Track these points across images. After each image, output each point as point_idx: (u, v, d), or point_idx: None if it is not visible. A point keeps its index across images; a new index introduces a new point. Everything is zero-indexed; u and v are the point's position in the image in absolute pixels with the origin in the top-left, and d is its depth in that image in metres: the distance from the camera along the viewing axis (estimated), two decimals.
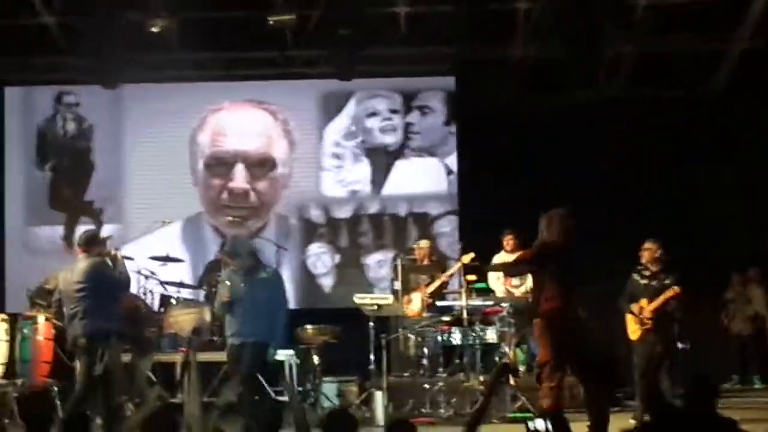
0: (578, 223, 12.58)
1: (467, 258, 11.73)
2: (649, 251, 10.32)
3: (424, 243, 12.65)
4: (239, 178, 14.27)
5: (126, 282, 9.85)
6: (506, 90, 13.58)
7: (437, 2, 13.19)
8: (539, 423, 7.43)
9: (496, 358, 12.00)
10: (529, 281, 12.29)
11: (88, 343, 9.38)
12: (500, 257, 12.56)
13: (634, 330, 10.31)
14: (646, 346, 10.22)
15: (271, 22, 13.06)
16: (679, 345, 10.64)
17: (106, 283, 9.49)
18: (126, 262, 9.87)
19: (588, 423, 8.41)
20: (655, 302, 10.14)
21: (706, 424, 6.06)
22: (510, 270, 10.33)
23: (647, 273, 10.32)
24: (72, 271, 9.56)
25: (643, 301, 10.20)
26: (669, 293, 10.10)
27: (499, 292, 12.30)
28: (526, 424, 7.87)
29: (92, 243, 9.68)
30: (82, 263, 9.50)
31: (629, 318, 10.37)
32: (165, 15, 13.03)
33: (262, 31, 13.36)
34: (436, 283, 12.07)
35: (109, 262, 9.64)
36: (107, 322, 9.44)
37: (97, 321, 9.35)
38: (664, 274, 10.24)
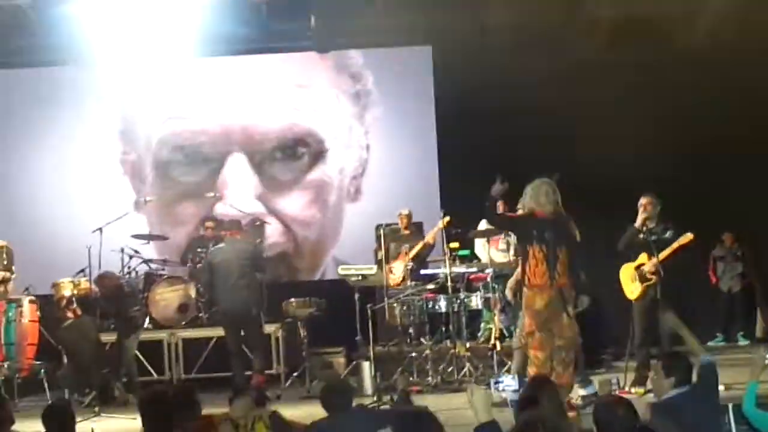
0: (561, 187, 12.77)
1: (443, 222, 11.69)
2: (648, 206, 10.13)
3: (405, 211, 12.62)
4: None
5: None
6: (484, 56, 13.51)
7: None
8: (508, 380, 7.49)
9: (482, 324, 12.09)
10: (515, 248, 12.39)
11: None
12: (485, 223, 12.56)
13: (633, 288, 10.12)
14: (647, 303, 10.07)
15: None
16: None
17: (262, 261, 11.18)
18: None
19: None
20: (665, 253, 9.88)
21: None
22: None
23: (644, 228, 10.12)
24: (228, 250, 10.75)
25: (643, 257, 10.01)
26: (683, 241, 9.86)
27: (485, 258, 12.30)
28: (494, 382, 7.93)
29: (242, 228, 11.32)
30: (233, 246, 10.72)
31: (625, 275, 10.19)
32: None
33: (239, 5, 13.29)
34: (417, 247, 12.05)
35: None
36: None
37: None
38: (662, 228, 10.07)
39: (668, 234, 10.04)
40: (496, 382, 8.70)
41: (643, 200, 10.15)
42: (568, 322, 8.84)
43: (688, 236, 9.89)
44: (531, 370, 8.64)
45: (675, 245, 9.93)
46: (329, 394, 6.58)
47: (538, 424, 5.01)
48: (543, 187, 8.88)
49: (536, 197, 8.90)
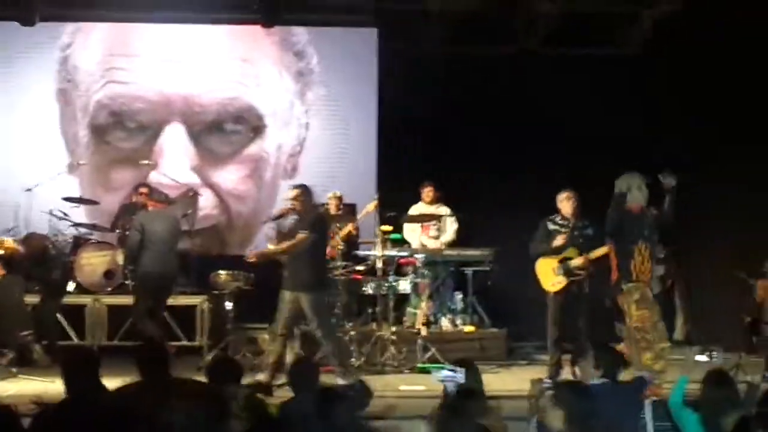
0: (496, 178, 12.81)
1: (372, 205, 11.72)
2: (569, 200, 10.11)
3: (335, 193, 12.61)
4: None
5: None
6: (427, 42, 13.55)
7: None
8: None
9: (408, 309, 12.15)
10: (446, 235, 12.48)
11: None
12: (417, 208, 12.62)
13: (555, 281, 10.10)
14: (567, 298, 10.06)
15: None
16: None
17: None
18: None
19: None
20: (604, 249, 9.86)
21: None
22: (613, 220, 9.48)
23: (564, 222, 10.14)
24: (164, 221, 10.94)
25: (572, 251, 10.00)
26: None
27: (414, 243, 12.35)
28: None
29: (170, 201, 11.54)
30: (165, 214, 11.08)
31: (544, 267, 10.17)
32: None
33: None
34: (346, 229, 12.05)
35: None
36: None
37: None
38: (582, 223, 10.11)
39: (589, 230, 10.11)
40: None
41: (564, 194, 10.17)
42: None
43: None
44: (658, 365, 8.88)
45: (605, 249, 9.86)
46: (297, 372, 6.51)
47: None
48: (636, 181, 9.06)
49: (631, 191, 9.07)
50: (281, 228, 9.94)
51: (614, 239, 9.11)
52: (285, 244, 9.67)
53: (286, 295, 9.79)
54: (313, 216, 9.87)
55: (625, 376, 7.28)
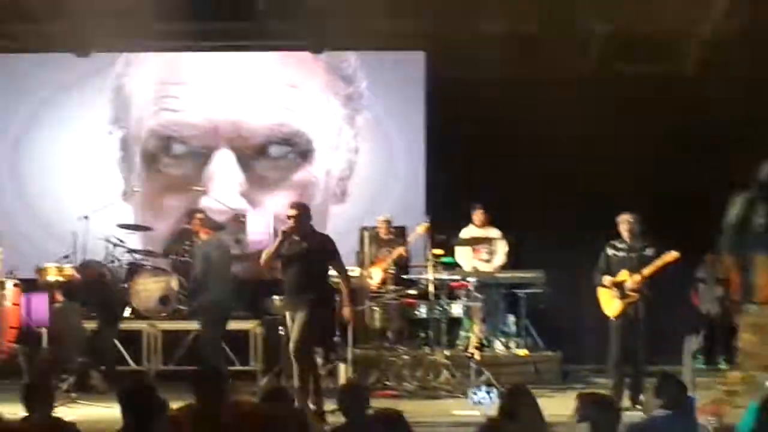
0: (546, 200, 12.72)
1: (422, 228, 11.77)
2: (626, 223, 10.15)
3: (385, 216, 12.67)
4: None
5: None
6: (476, 65, 13.54)
7: None
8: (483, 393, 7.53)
9: (461, 332, 12.15)
10: (498, 258, 12.48)
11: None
12: (469, 231, 12.63)
13: (613, 305, 10.16)
14: (626, 321, 10.09)
15: None
16: None
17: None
18: None
19: None
20: (649, 270, 9.92)
21: None
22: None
23: (623, 246, 10.18)
24: (221, 248, 11.18)
25: (624, 273, 10.04)
26: (668, 258, 9.88)
27: (467, 267, 12.34)
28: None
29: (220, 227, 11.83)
30: (220, 241, 11.35)
31: (604, 293, 10.23)
32: None
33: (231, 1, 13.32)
34: (395, 253, 12.09)
35: None
36: None
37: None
38: (641, 245, 10.12)
39: (648, 251, 10.10)
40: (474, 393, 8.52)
41: (622, 217, 10.20)
42: None
43: (673, 254, 9.88)
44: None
45: (659, 263, 9.95)
46: (347, 397, 6.43)
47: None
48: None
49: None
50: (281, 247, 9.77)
51: (734, 254, 8.89)
52: (346, 287, 9.64)
53: (288, 318, 9.73)
54: (324, 239, 9.86)
55: None
